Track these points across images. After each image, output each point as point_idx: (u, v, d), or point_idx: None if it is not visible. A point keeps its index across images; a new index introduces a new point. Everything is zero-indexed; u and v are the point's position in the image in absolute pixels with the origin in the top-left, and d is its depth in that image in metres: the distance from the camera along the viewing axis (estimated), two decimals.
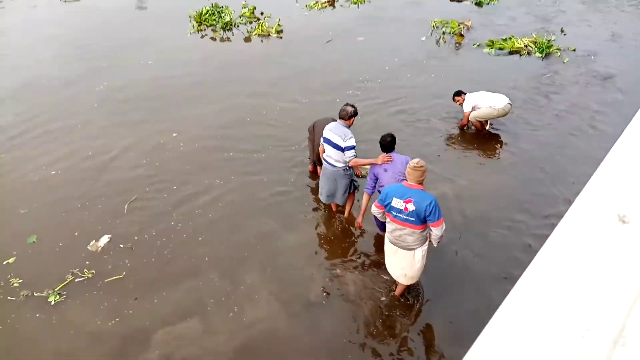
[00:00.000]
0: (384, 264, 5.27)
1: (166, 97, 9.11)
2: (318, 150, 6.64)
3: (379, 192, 5.34)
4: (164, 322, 5.14)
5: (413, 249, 4.81)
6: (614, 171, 1.65)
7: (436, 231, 4.64)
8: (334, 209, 6.55)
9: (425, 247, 4.85)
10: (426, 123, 8.19)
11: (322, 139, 5.96)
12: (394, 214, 4.68)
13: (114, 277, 5.60)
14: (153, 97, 9.12)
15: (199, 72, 9.97)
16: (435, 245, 4.95)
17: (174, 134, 8.00)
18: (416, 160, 4.68)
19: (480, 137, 7.90)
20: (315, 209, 6.70)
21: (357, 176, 6.28)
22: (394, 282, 5.41)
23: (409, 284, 5.13)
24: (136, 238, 6.11)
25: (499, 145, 7.79)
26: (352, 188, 6.25)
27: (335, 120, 6.26)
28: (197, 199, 6.73)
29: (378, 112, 8.46)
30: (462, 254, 5.88)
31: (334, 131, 5.79)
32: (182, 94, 9.21)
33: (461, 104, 7.80)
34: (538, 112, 8.50)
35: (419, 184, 4.64)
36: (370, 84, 9.34)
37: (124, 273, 5.66)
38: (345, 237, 6.28)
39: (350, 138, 5.69)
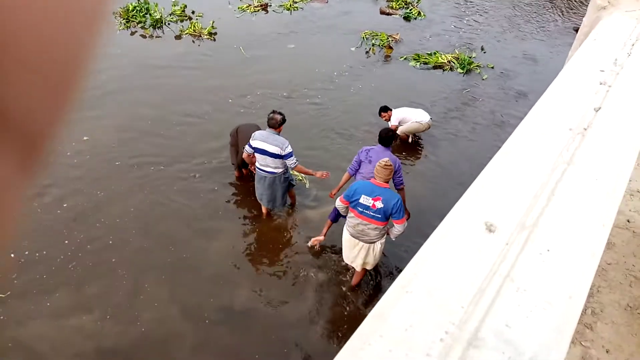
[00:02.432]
0: (319, 264, 5.55)
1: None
2: (241, 155, 6.60)
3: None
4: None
5: (374, 242, 5.13)
6: (486, 183, 1.76)
7: (400, 227, 4.99)
8: (264, 211, 6.53)
9: (383, 239, 5.23)
10: (352, 132, 8.35)
11: (248, 147, 5.90)
12: (360, 210, 4.90)
13: None
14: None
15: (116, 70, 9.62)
16: (394, 239, 5.26)
17: (85, 138, 7.63)
18: (386, 159, 4.94)
19: (404, 146, 8.16)
20: (244, 215, 6.65)
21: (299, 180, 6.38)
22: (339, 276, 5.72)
23: (368, 268, 5.48)
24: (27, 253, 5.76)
25: (420, 155, 8.09)
26: (290, 186, 6.32)
27: (260, 128, 6.28)
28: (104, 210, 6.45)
29: (304, 121, 8.53)
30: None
31: (268, 141, 5.76)
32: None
33: (387, 120, 7.99)
34: (457, 124, 8.92)
35: (386, 182, 4.89)
36: (298, 92, 9.39)
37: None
38: (278, 241, 6.30)
39: (288, 145, 5.75)
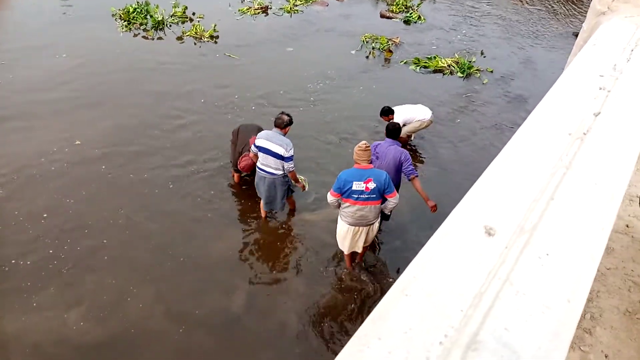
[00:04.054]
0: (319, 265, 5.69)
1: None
2: (238, 156, 6.61)
3: None
4: None
5: (372, 223, 5.34)
6: (486, 187, 1.76)
7: (394, 200, 5.17)
8: (263, 215, 6.53)
9: (379, 217, 5.43)
10: (350, 135, 8.35)
11: (253, 147, 5.94)
12: (356, 196, 5.05)
13: None
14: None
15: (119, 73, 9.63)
16: (388, 213, 5.53)
17: (77, 142, 7.62)
18: (362, 142, 5.10)
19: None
20: (243, 218, 6.66)
21: (299, 188, 6.41)
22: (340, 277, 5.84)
23: (367, 245, 5.68)
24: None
25: (421, 159, 8.09)
26: (289, 192, 6.32)
27: (261, 129, 6.33)
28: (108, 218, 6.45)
29: (302, 124, 8.52)
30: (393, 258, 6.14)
31: (273, 140, 5.78)
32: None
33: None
34: (456, 128, 8.93)
35: (370, 163, 5.11)
36: (295, 95, 9.40)
37: None
38: (276, 244, 6.32)
39: (292, 148, 5.77)
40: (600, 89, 2.25)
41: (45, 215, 6.27)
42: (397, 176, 5.81)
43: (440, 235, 1.57)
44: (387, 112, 7.67)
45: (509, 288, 1.39)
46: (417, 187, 5.75)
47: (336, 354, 4.48)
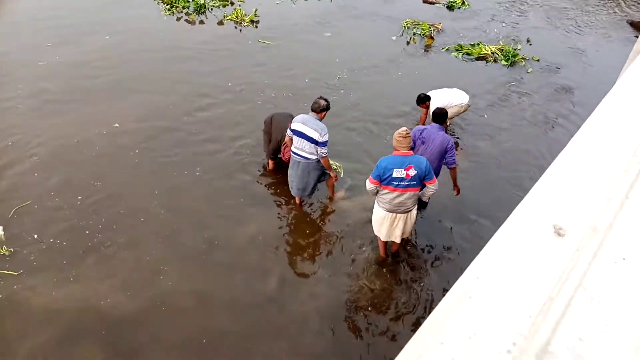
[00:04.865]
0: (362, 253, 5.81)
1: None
2: (275, 145, 6.58)
3: None
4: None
5: (410, 210, 5.30)
6: (553, 183, 1.64)
7: (433, 187, 5.18)
8: (297, 201, 6.49)
9: (416, 205, 5.39)
10: (390, 122, 8.19)
11: (289, 131, 5.90)
12: (396, 183, 5.03)
13: None
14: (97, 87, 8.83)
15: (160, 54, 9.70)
16: (426, 200, 5.70)
17: (116, 124, 7.67)
18: (402, 129, 5.05)
19: None
20: (277, 204, 6.65)
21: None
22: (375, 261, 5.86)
23: (405, 237, 5.63)
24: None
25: (460, 147, 7.87)
26: (325, 176, 6.24)
27: (291, 115, 6.28)
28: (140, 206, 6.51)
29: (340, 110, 8.40)
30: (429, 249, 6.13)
31: (308, 124, 5.72)
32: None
33: (426, 111, 7.71)
34: (500, 118, 8.65)
35: (411, 149, 5.09)
36: (332, 81, 9.26)
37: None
38: (311, 230, 6.29)
39: (327, 134, 5.70)
40: None
41: (79, 197, 6.33)
42: (440, 163, 5.77)
43: (504, 233, 1.46)
44: (424, 100, 7.46)
45: (582, 294, 1.28)
46: (453, 176, 5.90)
47: (360, 348, 4.43)
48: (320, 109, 5.78)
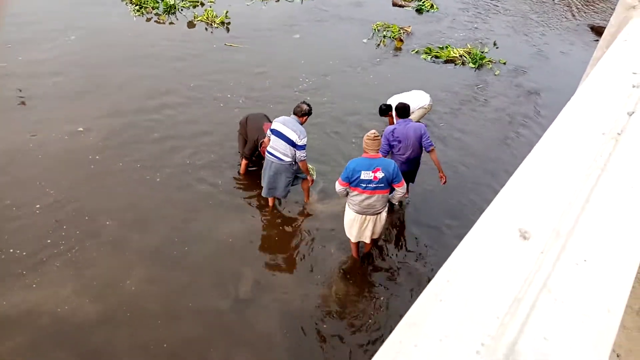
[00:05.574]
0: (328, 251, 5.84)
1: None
2: (252, 145, 6.57)
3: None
4: None
5: (380, 212, 5.37)
6: (519, 187, 1.70)
7: (401, 190, 5.26)
8: (270, 204, 6.48)
9: (386, 207, 5.47)
10: (360, 125, 8.27)
11: (269, 131, 5.91)
12: (364, 185, 5.09)
13: None
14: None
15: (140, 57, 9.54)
16: (395, 203, 5.70)
17: (80, 128, 7.46)
18: (371, 131, 5.15)
19: None
20: (249, 204, 6.62)
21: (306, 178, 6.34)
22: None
23: (375, 238, 5.73)
24: None
25: None
26: (298, 180, 6.25)
27: (268, 118, 6.31)
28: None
29: (315, 113, 8.40)
30: (399, 252, 6.20)
31: (288, 125, 5.77)
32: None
33: (392, 121, 7.69)
34: (467, 120, 8.83)
35: (378, 152, 5.13)
36: (300, 84, 9.27)
37: None
38: (283, 232, 6.28)
39: (305, 137, 5.75)
40: (634, 86, 2.17)
41: (37, 205, 6.11)
42: (421, 151, 6.04)
43: (473, 237, 1.52)
44: (386, 111, 7.33)
45: (546, 295, 1.34)
46: (434, 159, 6.05)
47: (333, 350, 4.44)
48: (302, 113, 5.86)
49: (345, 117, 8.46)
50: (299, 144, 5.73)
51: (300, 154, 5.80)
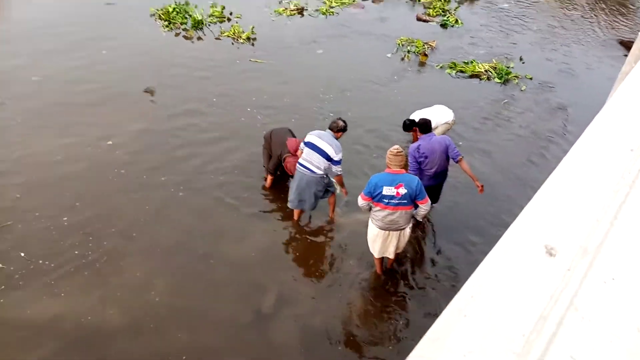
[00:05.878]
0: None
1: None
2: (276, 160, 6.62)
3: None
4: None
5: (404, 228, 5.31)
6: (545, 203, 1.69)
7: (425, 207, 5.17)
8: (295, 217, 6.50)
9: (411, 223, 5.41)
10: (385, 139, 8.25)
11: (302, 144, 5.98)
12: (386, 201, 5.06)
13: None
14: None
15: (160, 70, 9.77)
16: (420, 220, 5.55)
17: (109, 142, 7.62)
18: (394, 147, 5.11)
19: None
20: (274, 217, 6.66)
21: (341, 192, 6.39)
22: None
23: (399, 252, 5.65)
24: None
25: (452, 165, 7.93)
26: (327, 193, 6.28)
27: (293, 133, 6.40)
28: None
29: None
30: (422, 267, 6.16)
31: (324, 139, 5.87)
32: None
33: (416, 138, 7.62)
34: (493, 135, 8.74)
35: (402, 168, 5.09)
36: (325, 99, 9.32)
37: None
38: (309, 246, 6.31)
39: (341, 152, 5.88)
40: None
41: (65, 218, 6.21)
42: (447, 164, 6.02)
43: (497, 252, 1.51)
44: (410, 126, 7.14)
45: (573, 313, 1.32)
46: (465, 168, 5.98)
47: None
48: (338, 129, 5.98)
49: (368, 132, 8.46)
50: (335, 158, 5.83)
51: (336, 169, 5.90)
